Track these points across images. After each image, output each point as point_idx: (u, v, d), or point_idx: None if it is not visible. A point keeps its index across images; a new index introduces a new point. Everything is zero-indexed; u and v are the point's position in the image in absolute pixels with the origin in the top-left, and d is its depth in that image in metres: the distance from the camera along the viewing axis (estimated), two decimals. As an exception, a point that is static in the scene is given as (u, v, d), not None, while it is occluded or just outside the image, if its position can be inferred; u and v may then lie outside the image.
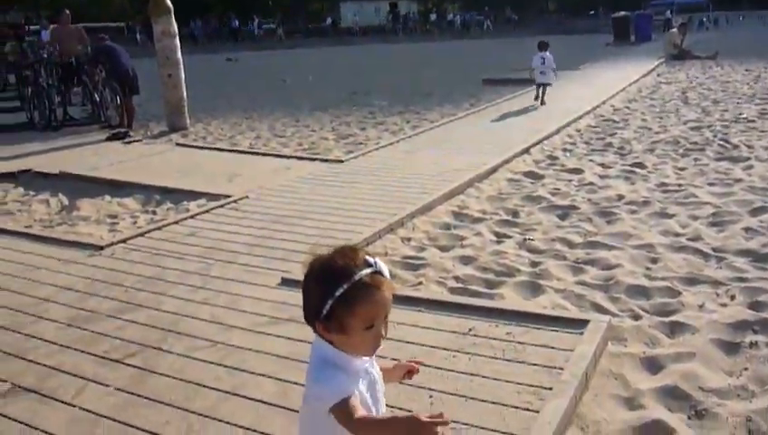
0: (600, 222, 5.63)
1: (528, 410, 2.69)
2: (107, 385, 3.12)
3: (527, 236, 5.30)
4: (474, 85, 17.52)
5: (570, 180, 7.11)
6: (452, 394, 2.85)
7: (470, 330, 3.45)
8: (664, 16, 39.25)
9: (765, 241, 4.87)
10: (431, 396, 2.82)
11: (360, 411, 1.44)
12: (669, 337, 3.56)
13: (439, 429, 1.34)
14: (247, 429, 2.69)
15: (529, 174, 7.49)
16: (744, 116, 10.25)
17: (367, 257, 1.48)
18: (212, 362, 3.28)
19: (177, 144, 10.28)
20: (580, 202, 6.22)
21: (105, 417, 2.84)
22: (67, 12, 14.28)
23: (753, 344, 3.38)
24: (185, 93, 12.02)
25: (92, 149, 10.11)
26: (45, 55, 13.52)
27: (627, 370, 3.19)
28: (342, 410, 1.42)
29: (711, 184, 6.57)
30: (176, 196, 7.03)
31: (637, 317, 3.79)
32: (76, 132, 11.86)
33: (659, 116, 10.87)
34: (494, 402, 2.76)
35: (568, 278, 4.44)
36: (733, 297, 3.98)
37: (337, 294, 1.43)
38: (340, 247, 1.52)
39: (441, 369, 3.07)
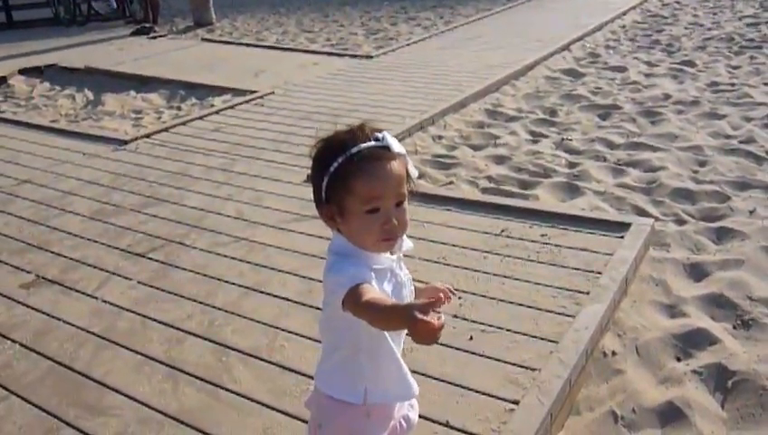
0: (643, 123, 5.30)
1: (563, 314, 2.55)
2: (129, 278, 3.06)
3: (565, 136, 5.02)
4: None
5: (612, 79, 6.69)
6: (483, 296, 2.72)
7: (503, 231, 3.29)
8: None
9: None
10: (461, 298, 2.69)
11: (370, 295, 1.22)
12: (716, 243, 3.36)
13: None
14: (270, 325, 2.61)
15: (569, 72, 7.07)
16: (808, 12, 9.46)
17: (376, 133, 1.27)
18: (235, 259, 3.20)
19: (203, 39, 9.96)
20: (622, 102, 5.85)
21: (127, 310, 2.79)
22: None
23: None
24: (209, -14, 11.56)
25: (118, 44, 9.86)
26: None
27: (669, 276, 3.01)
28: (351, 296, 1.22)
29: (767, 84, 6.11)
30: (201, 91, 6.83)
31: (681, 222, 3.58)
32: (101, 28, 11.59)
33: (713, 11, 10.11)
34: (526, 306, 2.63)
35: (608, 180, 4.21)
36: (787, 203, 3.72)
37: (332, 168, 1.24)
38: (349, 126, 1.31)
39: (472, 270, 2.94)
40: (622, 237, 3.11)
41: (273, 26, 11.32)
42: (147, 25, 10.99)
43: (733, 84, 6.16)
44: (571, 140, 4.96)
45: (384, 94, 6.19)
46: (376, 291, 1.26)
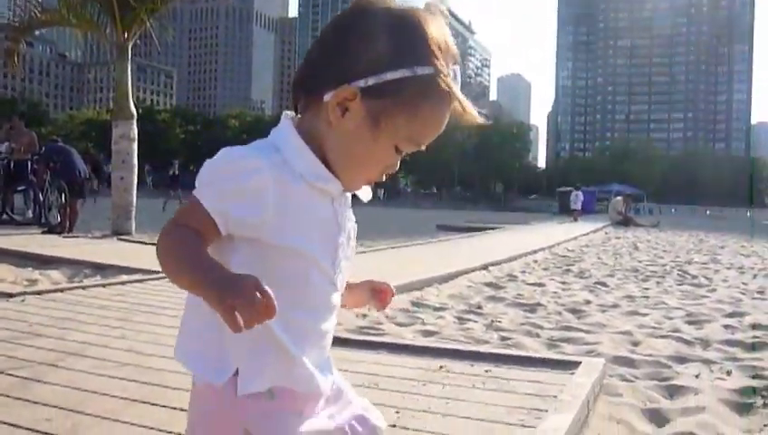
0: (569, 317, 5.23)
1: (522, 425, 2.11)
2: (-26, 389, 2.40)
3: (494, 319, 4.85)
4: (428, 230, 17.67)
5: (533, 290, 6.78)
6: (424, 411, 2.26)
7: (441, 367, 2.90)
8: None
9: (752, 334, 4.54)
10: (398, 412, 2.22)
11: (199, 223, 0.88)
12: (668, 399, 3.06)
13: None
14: (153, 428, 2.02)
15: (489, 284, 7.14)
16: (696, 260, 10.36)
17: (455, 63, 0.94)
18: (121, 378, 2.61)
19: (119, 238, 9.67)
20: (545, 303, 5.84)
21: (-38, 412, 2.12)
22: (18, 114, 14.13)
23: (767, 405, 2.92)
24: (134, 199, 11.57)
25: (25, 237, 9.39)
26: (-7, 152, 12.99)
27: (629, 417, 2.65)
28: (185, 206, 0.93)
29: (679, 298, 6.34)
30: (109, 271, 6.35)
31: (628, 380, 3.30)
32: (9, 228, 11.14)
33: (614, 256, 10.92)
34: (478, 419, 2.18)
35: (544, 350, 3.95)
36: (729, 372, 3.54)
37: (419, 71, 0.88)
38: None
39: (409, 393, 2.49)
40: (573, 373, 2.78)
41: (194, 241, 11.26)
42: (60, 227, 10.68)
43: (647, 297, 6.35)
44: (500, 322, 4.77)
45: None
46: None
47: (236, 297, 0.76)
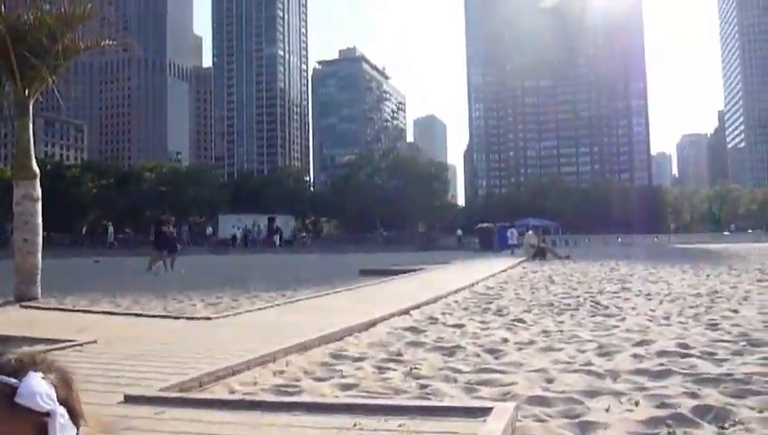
0: (488, 357, 5.31)
1: (433, 482, 2.10)
2: None
3: (413, 366, 4.85)
4: (351, 275, 17.62)
5: (453, 332, 6.85)
6: (335, 476, 2.21)
7: (355, 425, 2.86)
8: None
9: (658, 361, 4.74)
10: (308, 480, 2.16)
11: None
12: (580, 435, 3.14)
13: None
14: None
15: (410, 329, 7.17)
16: (608, 290, 10.80)
17: (27, 371, 0.90)
18: None
19: (22, 306, 9.11)
20: (465, 345, 5.91)
21: None
22: None
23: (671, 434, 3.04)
24: (39, 261, 10.98)
25: None
26: None
27: (541, 460, 2.69)
28: None
29: (591, 330, 6.57)
30: (11, 342, 5.95)
31: (542, 420, 3.36)
32: None
33: (531, 291, 11.23)
34: (388, 480, 2.16)
35: (461, 395, 3.98)
36: (637, 403, 3.68)
37: None
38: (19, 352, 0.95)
39: (321, 457, 2.43)
40: (485, 420, 2.81)
41: (106, 303, 10.75)
42: (-44, 298, 9.96)
43: (561, 331, 6.55)
44: (419, 368, 4.78)
45: (221, 343, 5.78)
46: None
47: None
